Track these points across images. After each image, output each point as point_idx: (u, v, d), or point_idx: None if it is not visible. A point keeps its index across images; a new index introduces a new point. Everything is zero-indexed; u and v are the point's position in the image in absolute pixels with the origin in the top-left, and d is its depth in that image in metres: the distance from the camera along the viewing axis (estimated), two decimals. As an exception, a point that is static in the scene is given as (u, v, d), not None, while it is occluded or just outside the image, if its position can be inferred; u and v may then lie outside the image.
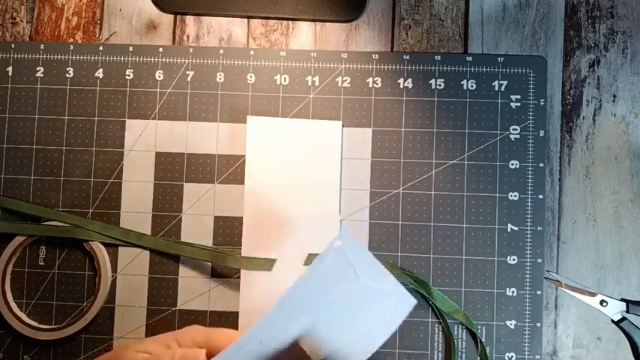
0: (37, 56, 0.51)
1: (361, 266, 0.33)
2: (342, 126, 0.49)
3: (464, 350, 0.48)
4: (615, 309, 0.47)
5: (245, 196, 0.49)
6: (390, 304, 0.34)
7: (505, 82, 0.49)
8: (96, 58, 0.51)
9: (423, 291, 0.47)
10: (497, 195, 0.49)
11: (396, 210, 0.49)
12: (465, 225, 0.49)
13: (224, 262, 0.48)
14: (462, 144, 0.49)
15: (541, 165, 0.49)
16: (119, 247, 0.49)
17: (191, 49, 0.51)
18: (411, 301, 0.35)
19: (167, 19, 0.52)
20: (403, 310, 0.35)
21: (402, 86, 0.50)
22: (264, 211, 0.48)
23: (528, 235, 0.48)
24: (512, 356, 0.47)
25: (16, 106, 0.51)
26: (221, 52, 0.50)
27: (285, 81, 0.50)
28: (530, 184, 0.49)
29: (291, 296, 0.33)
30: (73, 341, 0.48)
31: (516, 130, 0.49)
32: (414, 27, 0.51)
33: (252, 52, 0.50)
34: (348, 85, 0.50)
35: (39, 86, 0.51)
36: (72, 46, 0.51)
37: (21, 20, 0.52)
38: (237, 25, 0.52)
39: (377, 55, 0.50)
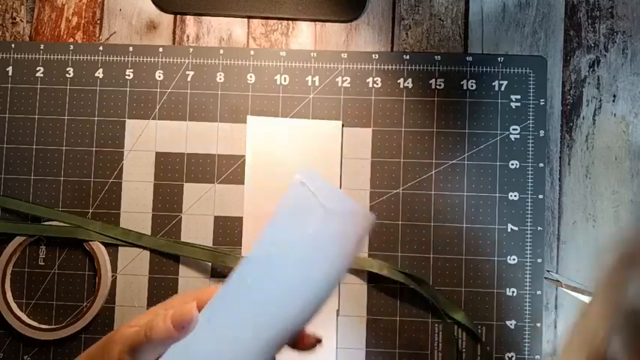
0: (37, 56, 0.51)
1: (322, 194, 0.34)
2: (342, 126, 0.49)
3: (464, 350, 0.48)
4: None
5: (245, 196, 0.49)
6: (353, 223, 0.35)
7: (505, 82, 0.49)
8: (96, 58, 0.51)
9: (423, 291, 0.47)
10: (497, 195, 0.49)
11: (396, 210, 0.49)
12: (465, 225, 0.49)
13: (224, 262, 0.48)
14: (462, 144, 0.49)
15: (541, 165, 0.49)
16: (119, 247, 0.49)
17: (191, 49, 0.51)
18: (371, 217, 0.36)
19: (167, 19, 0.52)
20: (365, 227, 0.36)
21: (402, 86, 0.50)
22: (264, 211, 0.48)
23: (528, 235, 0.48)
24: (512, 356, 0.47)
25: (16, 106, 0.51)
26: (221, 52, 0.50)
27: (285, 81, 0.50)
28: (530, 184, 0.49)
29: (267, 236, 0.33)
30: (73, 341, 0.48)
31: (516, 130, 0.49)
32: (414, 27, 0.51)
33: (252, 52, 0.50)
34: (348, 85, 0.50)
35: (39, 86, 0.51)
36: (72, 46, 0.51)
37: (21, 20, 0.52)
38: (237, 25, 0.52)
39: (377, 55, 0.50)
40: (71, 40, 0.52)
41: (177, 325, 0.32)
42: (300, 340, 0.36)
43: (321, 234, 0.34)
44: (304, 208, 0.34)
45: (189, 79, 0.50)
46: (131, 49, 0.51)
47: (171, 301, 0.36)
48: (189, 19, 0.52)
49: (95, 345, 0.36)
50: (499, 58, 0.50)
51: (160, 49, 0.51)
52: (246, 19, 0.52)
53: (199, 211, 0.49)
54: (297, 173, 0.33)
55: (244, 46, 0.52)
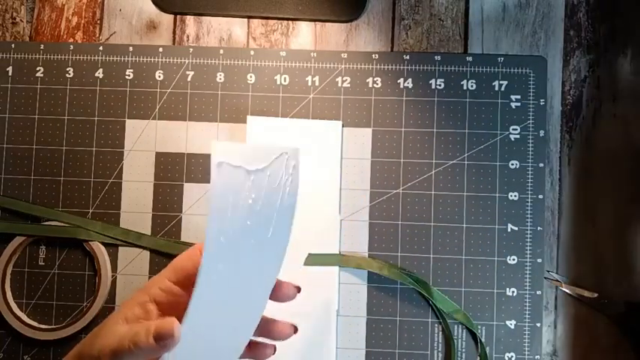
0: (37, 56, 0.51)
1: (242, 159, 0.33)
2: (342, 126, 0.49)
3: (464, 350, 0.48)
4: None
5: (245, 196, 0.49)
6: (285, 165, 0.36)
7: (505, 82, 0.49)
8: (96, 58, 0.51)
9: (423, 291, 0.47)
10: (497, 195, 0.49)
11: (396, 210, 0.49)
12: (465, 225, 0.49)
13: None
14: (462, 144, 0.49)
15: (541, 165, 0.49)
16: (119, 247, 0.49)
17: (191, 49, 0.51)
18: (296, 149, 0.36)
19: (167, 19, 0.52)
20: (296, 162, 0.36)
21: (402, 86, 0.50)
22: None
23: (528, 235, 0.48)
24: (512, 356, 0.47)
25: (16, 106, 0.51)
26: (221, 52, 0.50)
27: (285, 81, 0.50)
28: (530, 184, 0.49)
29: (212, 231, 0.33)
30: (73, 341, 0.48)
31: (516, 130, 0.49)
32: (414, 27, 0.51)
33: (252, 52, 0.50)
34: (348, 85, 0.50)
35: (39, 86, 0.51)
36: (72, 46, 0.51)
37: (21, 20, 0.52)
38: (237, 25, 0.52)
39: (377, 55, 0.50)
40: (71, 40, 0.52)
41: (160, 342, 0.32)
42: (279, 291, 0.38)
43: (261, 193, 0.34)
44: (234, 184, 0.33)
45: (189, 79, 0.50)
46: (131, 49, 0.51)
47: (151, 288, 0.36)
48: (189, 19, 0.52)
49: (83, 341, 0.36)
50: (499, 58, 0.50)
51: (160, 49, 0.51)
52: (246, 19, 0.52)
53: (199, 211, 0.49)
54: (212, 155, 0.32)
55: (244, 46, 0.52)
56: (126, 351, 0.33)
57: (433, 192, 0.49)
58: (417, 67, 0.50)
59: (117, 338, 0.34)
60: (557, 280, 0.48)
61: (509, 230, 0.48)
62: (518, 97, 0.49)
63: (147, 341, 0.32)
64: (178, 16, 0.52)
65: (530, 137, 0.49)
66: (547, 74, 0.50)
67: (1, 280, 0.48)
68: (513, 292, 0.48)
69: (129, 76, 0.51)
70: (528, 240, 0.48)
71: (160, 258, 0.49)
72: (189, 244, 0.48)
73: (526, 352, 0.47)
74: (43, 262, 0.50)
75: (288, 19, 0.51)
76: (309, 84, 0.50)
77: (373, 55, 0.50)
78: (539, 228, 0.48)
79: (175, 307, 0.35)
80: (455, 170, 0.49)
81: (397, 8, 0.51)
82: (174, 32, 0.52)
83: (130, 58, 0.51)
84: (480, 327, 0.48)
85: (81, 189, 0.50)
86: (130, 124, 0.50)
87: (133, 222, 0.49)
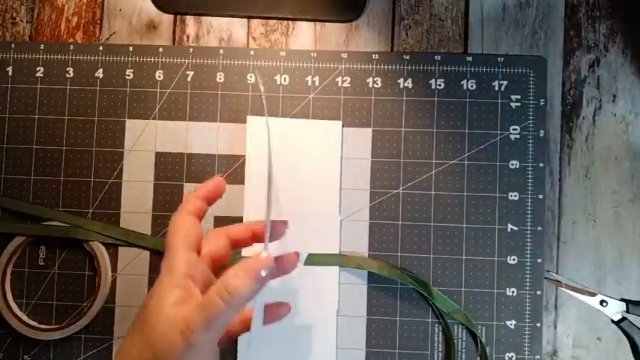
0: (37, 56, 0.51)
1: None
2: (342, 126, 0.49)
3: (464, 350, 0.48)
4: (615, 309, 0.47)
5: (245, 196, 0.49)
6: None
7: (505, 82, 0.49)
8: (96, 58, 0.51)
9: (423, 291, 0.47)
10: (497, 195, 0.49)
11: (396, 210, 0.49)
12: (464, 225, 0.49)
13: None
14: (462, 144, 0.49)
15: (541, 165, 0.49)
16: (119, 247, 0.49)
17: (191, 49, 0.51)
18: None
19: (167, 19, 0.52)
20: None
21: (402, 86, 0.50)
22: (264, 211, 0.48)
23: (528, 235, 0.48)
24: (512, 356, 0.47)
25: (16, 106, 0.51)
26: (221, 52, 0.50)
27: (285, 81, 0.50)
28: (530, 184, 0.49)
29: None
30: (73, 341, 0.48)
31: (516, 130, 0.49)
32: (414, 27, 0.51)
33: (252, 52, 0.50)
34: (348, 85, 0.50)
35: (39, 86, 0.51)
36: (72, 46, 0.51)
37: (21, 20, 0.52)
38: (237, 25, 0.52)
39: (377, 55, 0.50)
40: (71, 40, 0.52)
41: (257, 275, 0.32)
42: (283, 262, 0.38)
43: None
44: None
45: (189, 79, 0.50)
46: (131, 49, 0.51)
47: (211, 245, 0.36)
48: (189, 19, 0.52)
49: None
50: (499, 58, 0.50)
51: (160, 49, 0.51)
52: (246, 19, 0.52)
53: (199, 211, 0.49)
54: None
55: (244, 46, 0.52)
56: (223, 309, 0.31)
57: (433, 192, 0.49)
58: (417, 67, 0.50)
59: (203, 307, 0.31)
60: (557, 280, 0.48)
61: (509, 230, 0.48)
62: (518, 97, 0.49)
63: (245, 280, 0.31)
64: (178, 16, 0.52)
65: (530, 137, 0.49)
66: (547, 74, 0.50)
67: (1, 280, 0.48)
68: (513, 292, 0.48)
69: (129, 76, 0.51)
70: (528, 240, 0.48)
71: (160, 258, 0.49)
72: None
73: (526, 352, 0.47)
74: (43, 262, 0.50)
75: (288, 19, 0.51)
76: (309, 84, 0.50)
77: (373, 55, 0.50)
78: (539, 228, 0.48)
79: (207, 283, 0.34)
80: (455, 170, 0.49)
81: (397, 8, 0.51)
82: (174, 32, 0.52)
83: (130, 58, 0.51)
84: (480, 327, 0.48)
85: (81, 189, 0.50)
86: (130, 124, 0.50)
87: (133, 222, 0.49)
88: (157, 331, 0.32)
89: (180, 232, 0.36)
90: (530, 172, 0.49)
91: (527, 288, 0.48)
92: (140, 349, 0.32)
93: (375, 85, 0.50)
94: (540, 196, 0.48)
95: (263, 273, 0.32)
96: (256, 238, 0.38)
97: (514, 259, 0.48)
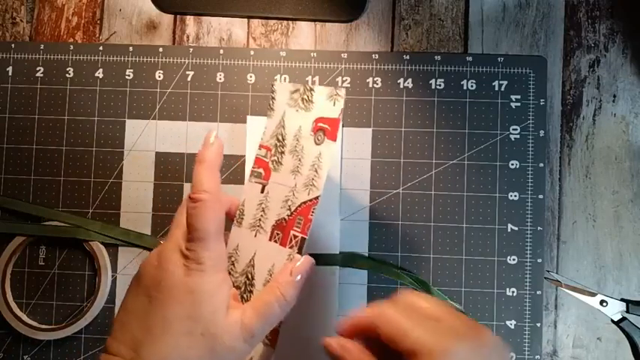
0: (37, 56, 0.51)
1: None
2: (342, 126, 0.49)
3: (464, 350, 0.48)
4: (615, 309, 0.47)
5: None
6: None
7: (505, 82, 0.49)
8: (96, 58, 0.51)
9: (423, 291, 0.47)
10: (497, 195, 0.49)
11: (396, 210, 0.49)
12: (465, 225, 0.49)
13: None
14: (462, 144, 0.49)
15: (541, 165, 0.49)
16: (119, 247, 0.49)
17: (191, 49, 0.51)
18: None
19: (167, 19, 0.52)
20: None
21: (402, 86, 0.50)
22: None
23: (528, 235, 0.48)
24: (512, 356, 0.47)
25: (16, 106, 0.51)
26: (221, 52, 0.50)
27: (285, 81, 0.50)
28: (530, 184, 0.49)
29: None
30: (73, 341, 0.48)
31: (516, 130, 0.49)
32: (414, 27, 0.51)
33: (252, 52, 0.50)
34: (348, 85, 0.50)
35: (39, 86, 0.51)
36: (72, 46, 0.51)
37: (21, 20, 0.52)
38: (237, 25, 0.52)
39: (377, 55, 0.50)
40: (71, 40, 0.52)
41: (303, 280, 0.36)
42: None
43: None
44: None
45: (189, 79, 0.50)
46: (131, 49, 0.51)
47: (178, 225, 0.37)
48: (189, 19, 0.52)
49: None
50: (499, 58, 0.50)
51: (160, 49, 0.51)
52: (246, 19, 0.52)
53: (199, 211, 0.49)
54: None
55: (244, 46, 0.52)
56: (278, 313, 0.35)
57: (433, 192, 0.49)
58: (417, 67, 0.50)
59: (256, 317, 0.35)
60: (557, 280, 0.48)
61: (509, 230, 0.48)
62: (518, 97, 0.49)
63: (294, 286, 0.36)
64: (178, 16, 0.52)
65: (530, 137, 0.49)
66: (547, 74, 0.50)
67: (1, 280, 0.48)
68: (513, 292, 0.48)
69: (129, 76, 0.51)
70: (528, 240, 0.48)
71: (160, 258, 0.49)
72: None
73: (526, 352, 0.47)
74: (43, 262, 0.50)
75: (288, 19, 0.51)
76: (309, 84, 0.50)
77: (373, 55, 0.50)
78: (539, 228, 0.48)
79: None
80: (455, 170, 0.49)
81: (397, 8, 0.51)
82: (174, 32, 0.52)
83: (130, 58, 0.51)
84: (480, 327, 0.48)
85: (81, 189, 0.50)
86: (130, 124, 0.50)
87: (133, 222, 0.49)
88: (221, 341, 0.34)
89: (214, 218, 0.36)
90: (530, 172, 0.49)
91: (527, 288, 0.48)
92: (197, 349, 0.34)
93: (375, 85, 0.50)
94: (540, 196, 0.48)
95: (305, 275, 0.37)
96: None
97: (514, 259, 0.48)
